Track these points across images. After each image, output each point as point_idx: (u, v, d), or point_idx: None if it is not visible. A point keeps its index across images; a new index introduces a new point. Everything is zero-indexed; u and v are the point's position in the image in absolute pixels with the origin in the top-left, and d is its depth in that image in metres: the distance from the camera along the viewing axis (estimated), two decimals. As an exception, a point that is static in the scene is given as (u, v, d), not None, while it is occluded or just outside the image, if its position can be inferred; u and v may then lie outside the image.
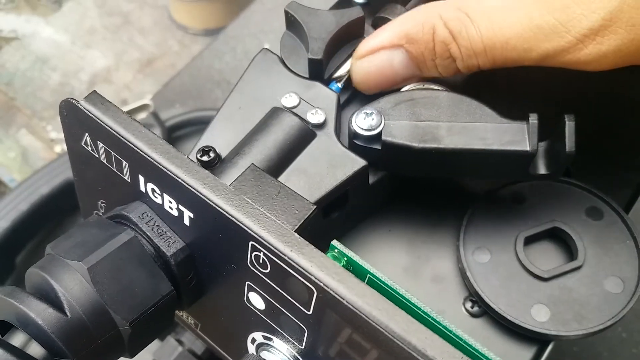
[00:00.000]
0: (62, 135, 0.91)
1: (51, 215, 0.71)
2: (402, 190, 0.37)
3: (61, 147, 0.90)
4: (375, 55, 0.33)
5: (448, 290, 0.35)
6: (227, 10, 0.88)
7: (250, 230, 0.23)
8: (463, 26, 0.29)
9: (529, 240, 0.35)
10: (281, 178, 0.31)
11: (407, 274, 0.35)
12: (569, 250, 0.35)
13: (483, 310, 0.34)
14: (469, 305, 0.34)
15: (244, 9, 0.82)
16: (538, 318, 0.32)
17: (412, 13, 0.32)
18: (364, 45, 0.33)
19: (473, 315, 0.34)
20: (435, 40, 0.30)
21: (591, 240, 0.34)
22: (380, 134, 0.31)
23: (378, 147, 0.32)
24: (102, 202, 0.32)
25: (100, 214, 0.32)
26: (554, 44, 0.28)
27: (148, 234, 0.27)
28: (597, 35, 0.27)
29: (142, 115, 0.73)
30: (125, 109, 0.76)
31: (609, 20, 0.27)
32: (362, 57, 0.33)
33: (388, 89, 0.34)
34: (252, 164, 0.26)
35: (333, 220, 0.34)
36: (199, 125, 0.75)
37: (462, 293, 0.34)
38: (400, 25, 0.32)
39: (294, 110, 0.33)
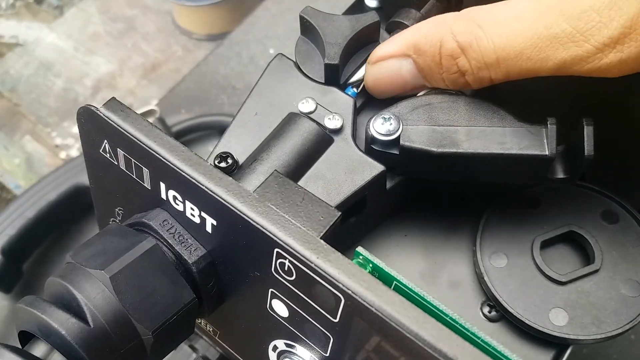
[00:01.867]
0: (66, 141, 0.91)
1: (58, 222, 0.70)
2: (419, 194, 0.37)
3: (66, 153, 0.90)
4: (385, 62, 0.33)
5: (465, 295, 0.34)
6: (230, 15, 0.88)
7: (276, 237, 0.23)
8: (474, 38, 0.29)
9: (546, 244, 0.34)
10: (299, 183, 0.31)
11: (424, 280, 0.35)
12: (586, 254, 0.35)
13: (501, 315, 0.33)
14: (486, 310, 0.34)
15: (248, 14, 0.82)
16: (556, 322, 0.32)
17: (423, 24, 0.32)
18: (377, 52, 0.33)
19: (491, 320, 0.34)
20: (442, 53, 0.30)
21: (607, 244, 0.34)
22: (398, 138, 0.31)
23: (396, 152, 0.32)
24: (119, 209, 0.31)
25: (118, 221, 0.32)
26: (571, 52, 0.27)
27: (169, 241, 0.27)
28: (618, 43, 0.26)
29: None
30: (131, 114, 0.76)
31: (629, 27, 0.26)
32: (374, 63, 0.33)
33: (399, 95, 0.34)
34: (275, 170, 0.26)
35: (350, 225, 0.34)
36: (206, 130, 0.75)
37: (480, 298, 0.34)
38: (410, 35, 0.32)
39: (310, 115, 0.33)
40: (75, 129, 0.88)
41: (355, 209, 0.33)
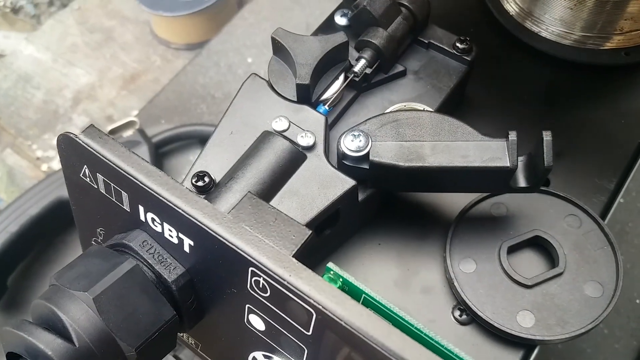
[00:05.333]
0: (47, 154, 0.91)
1: (41, 236, 0.71)
2: (390, 204, 0.38)
3: (47, 166, 0.90)
4: None
5: (437, 300, 0.36)
6: (208, 25, 0.89)
7: (250, 256, 0.24)
8: None
9: (512, 249, 0.36)
10: (274, 200, 0.32)
11: (397, 287, 0.36)
12: (551, 257, 0.36)
13: (471, 318, 0.35)
14: (457, 313, 0.35)
15: (226, 23, 0.83)
16: (523, 324, 0.34)
17: None
18: None
19: (461, 323, 0.35)
20: None
21: (571, 247, 0.36)
22: (367, 154, 0.33)
23: (366, 166, 0.33)
24: (100, 230, 0.32)
25: (100, 241, 0.33)
26: None
27: (149, 261, 0.28)
28: None
29: (128, 132, 0.74)
30: (112, 126, 0.76)
31: None
32: None
33: None
34: (249, 192, 0.27)
35: (325, 237, 0.35)
36: (186, 140, 0.76)
37: (451, 302, 0.36)
38: None
39: (284, 133, 0.34)
40: (55, 141, 0.87)
41: (330, 222, 0.34)
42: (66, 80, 0.95)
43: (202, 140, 0.76)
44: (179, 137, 0.76)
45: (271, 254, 0.24)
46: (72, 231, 0.72)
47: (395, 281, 0.37)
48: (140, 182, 0.27)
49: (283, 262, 0.24)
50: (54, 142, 0.93)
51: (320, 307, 0.23)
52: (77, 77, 0.95)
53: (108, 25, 1.01)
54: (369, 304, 0.25)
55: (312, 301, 0.23)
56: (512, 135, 0.32)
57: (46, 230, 0.71)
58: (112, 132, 0.76)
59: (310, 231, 0.26)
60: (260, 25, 0.81)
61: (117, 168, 0.27)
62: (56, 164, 0.89)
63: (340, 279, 0.25)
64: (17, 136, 0.90)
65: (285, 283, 0.23)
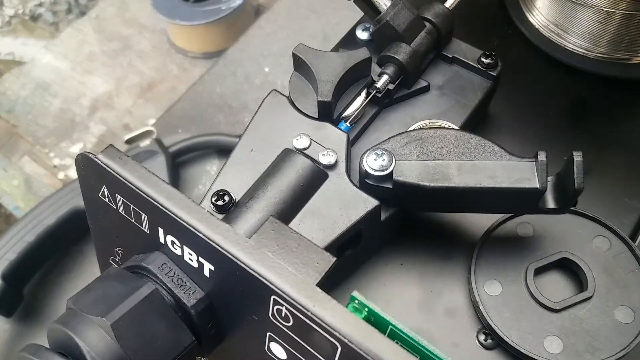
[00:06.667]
0: (64, 162, 0.91)
1: (58, 245, 0.71)
2: (413, 223, 0.37)
3: (64, 174, 0.90)
4: None
5: (461, 324, 0.35)
6: (225, 34, 0.89)
7: (272, 284, 0.23)
8: None
9: (539, 271, 0.35)
10: (295, 221, 0.32)
11: (420, 309, 0.36)
12: (579, 280, 0.35)
13: (496, 342, 0.34)
14: (482, 337, 0.34)
15: (243, 32, 0.82)
16: (551, 350, 0.33)
17: None
18: None
19: (486, 347, 0.34)
20: None
21: (600, 270, 0.35)
22: (391, 173, 0.32)
23: (389, 186, 0.32)
24: (119, 250, 0.32)
25: (118, 260, 0.32)
26: None
27: (168, 285, 0.27)
28: None
29: (145, 142, 0.74)
30: (129, 135, 0.76)
31: None
32: None
33: None
34: (271, 216, 0.26)
35: (346, 257, 0.34)
36: (203, 150, 0.76)
37: (475, 326, 0.35)
38: None
39: (305, 151, 0.33)
40: (73, 149, 0.88)
41: (351, 242, 0.33)
42: (83, 88, 0.95)
43: (219, 150, 0.75)
44: (196, 147, 0.75)
45: (294, 282, 0.23)
46: (88, 241, 0.72)
47: (418, 303, 0.36)
48: (161, 205, 0.26)
49: (307, 292, 0.23)
50: (71, 150, 0.93)
51: (346, 340, 0.22)
52: (94, 85, 0.96)
53: (125, 33, 1.01)
54: (396, 335, 0.24)
55: (337, 334, 0.22)
56: (542, 156, 0.31)
57: (63, 240, 0.71)
58: (129, 141, 0.76)
59: (335, 258, 0.25)
60: (277, 35, 0.80)
61: (137, 190, 0.26)
62: (73, 173, 0.89)
63: (366, 309, 0.24)
64: (34, 144, 0.90)
65: (309, 314, 0.23)
